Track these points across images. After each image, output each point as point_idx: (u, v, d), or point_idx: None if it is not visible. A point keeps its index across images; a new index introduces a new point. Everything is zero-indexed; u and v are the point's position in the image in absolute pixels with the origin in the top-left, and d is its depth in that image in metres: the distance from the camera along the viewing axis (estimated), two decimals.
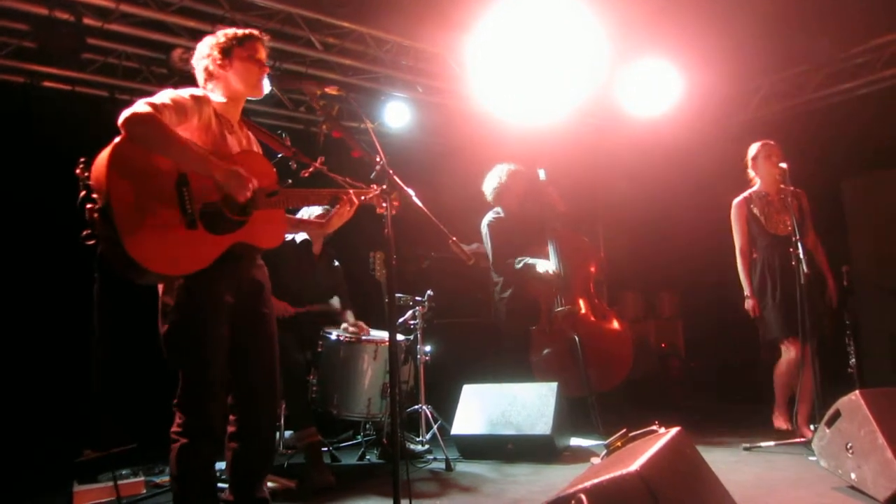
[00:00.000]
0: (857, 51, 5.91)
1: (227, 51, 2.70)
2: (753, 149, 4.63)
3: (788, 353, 4.53)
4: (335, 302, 4.66)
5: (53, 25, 4.52)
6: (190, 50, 2.88)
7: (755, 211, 4.58)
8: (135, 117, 2.34)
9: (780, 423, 4.65)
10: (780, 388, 4.64)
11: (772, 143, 4.58)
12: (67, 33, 4.56)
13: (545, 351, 5.17)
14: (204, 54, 2.73)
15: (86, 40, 4.73)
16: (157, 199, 2.38)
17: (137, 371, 4.45)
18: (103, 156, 2.32)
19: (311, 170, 2.88)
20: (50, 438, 4.41)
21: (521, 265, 5.18)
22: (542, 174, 5.46)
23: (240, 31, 2.76)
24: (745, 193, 4.64)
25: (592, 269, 5.43)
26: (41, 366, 4.67)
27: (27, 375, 4.61)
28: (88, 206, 2.30)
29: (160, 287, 2.58)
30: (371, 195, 2.85)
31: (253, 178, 2.54)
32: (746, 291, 4.64)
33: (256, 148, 2.87)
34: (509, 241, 5.27)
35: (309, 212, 4.38)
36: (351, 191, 2.90)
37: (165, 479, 3.91)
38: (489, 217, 5.37)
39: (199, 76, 2.76)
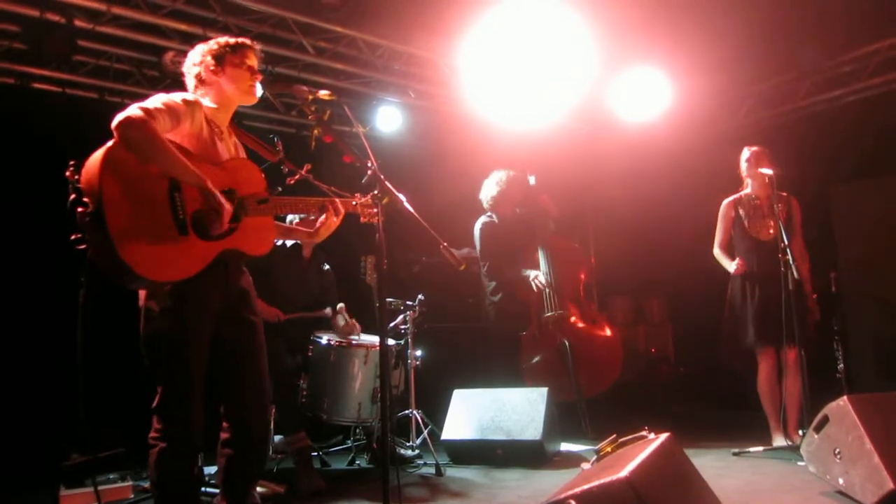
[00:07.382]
0: (844, 59, 5.96)
1: (219, 57, 2.70)
2: (746, 152, 4.67)
3: (765, 364, 4.45)
4: (327, 311, 4.64)
5: (44, 27, 4.50)
6: (182, 53, 2.88)
7: (741, 213, 4.62)
8: (128, 121, 2.32)
9: (778, 440, 4.42)
10: (768, 403, 4.48)
11: (762, 149, 4.62)
12: (58, 35, 4.54)
13: (535, 356, 5.19)
14: (196, 61, 2.73)
15: (77, 42, 4.72)
16: (150, 204, 2.37)
17: (127, 375, 4.42)
18: (96, 158, 2.30)
19: (296, 177, 2.87)
20: (36, 442, 4.37)
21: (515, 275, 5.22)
22: (531, 180, 5.50)
23: (231, 39, 2.77)
24: (736, 195, 4.69)
25: (582, 275, 5.46)
26: (28, 369, 4.63)
27: (14, 378, 4.57)
28: (79, 209, 2.27)
29: (142, 291, 2.57)
30: (356, 204, 2.84)
31: (230, 207, 2.51)
32: (729, 266, 4.53)
33: (243, 155, 2.87)
34: (501, 246, 5.29)
35: (290, 218, 4.34)
36: (337, 200, 2.88)
37: None
38: (482, 220, 5.39)
39: (190, 83, 2.76)
